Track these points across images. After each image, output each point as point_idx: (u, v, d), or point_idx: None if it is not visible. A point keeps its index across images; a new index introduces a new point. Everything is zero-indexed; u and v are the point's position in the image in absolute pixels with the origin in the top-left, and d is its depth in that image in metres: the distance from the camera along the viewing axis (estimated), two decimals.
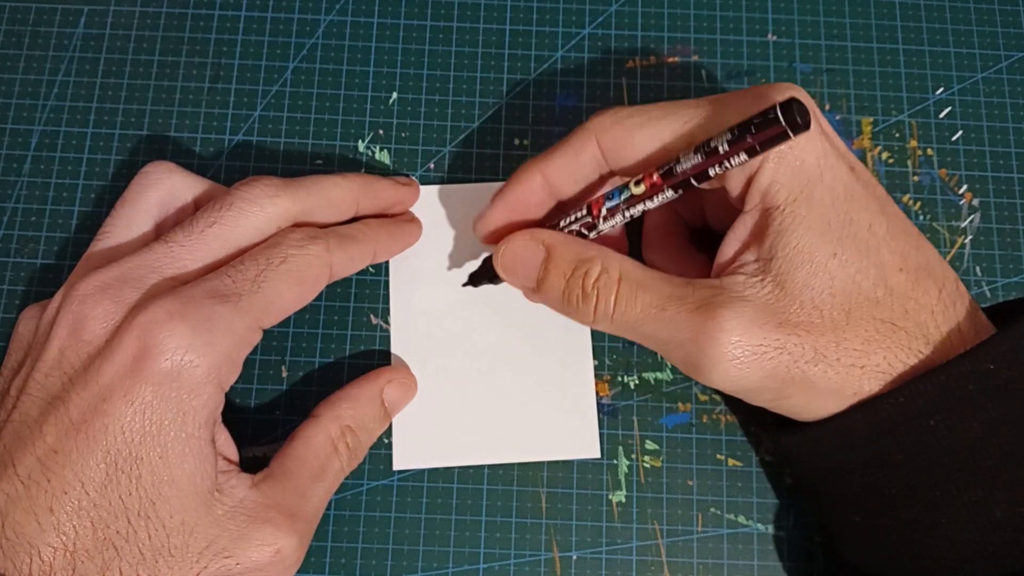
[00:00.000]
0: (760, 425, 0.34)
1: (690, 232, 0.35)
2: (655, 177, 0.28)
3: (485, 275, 0.33)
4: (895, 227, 0.28)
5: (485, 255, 0.34)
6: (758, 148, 0.26)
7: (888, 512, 0.28)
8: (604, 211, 0.30)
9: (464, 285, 0.34)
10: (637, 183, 0.29)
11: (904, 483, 0.27)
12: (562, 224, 0.31)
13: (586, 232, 0.30)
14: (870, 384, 0.27)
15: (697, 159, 0.27)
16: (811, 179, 0.27)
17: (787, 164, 0.27)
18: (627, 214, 0.29)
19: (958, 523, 0.27)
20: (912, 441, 0.27)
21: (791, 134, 0.25)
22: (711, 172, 0.27)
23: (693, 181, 0.28)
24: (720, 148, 0.26)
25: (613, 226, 0.30)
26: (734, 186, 0.28)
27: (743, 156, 0.26)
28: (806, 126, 0.25)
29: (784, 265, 0.27)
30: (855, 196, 0.28)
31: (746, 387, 0.28)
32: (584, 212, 0.30)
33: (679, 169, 0.28)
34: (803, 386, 0.27)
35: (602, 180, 0.31)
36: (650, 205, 0.29)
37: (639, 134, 0.29)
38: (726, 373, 0.27)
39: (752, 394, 0.29)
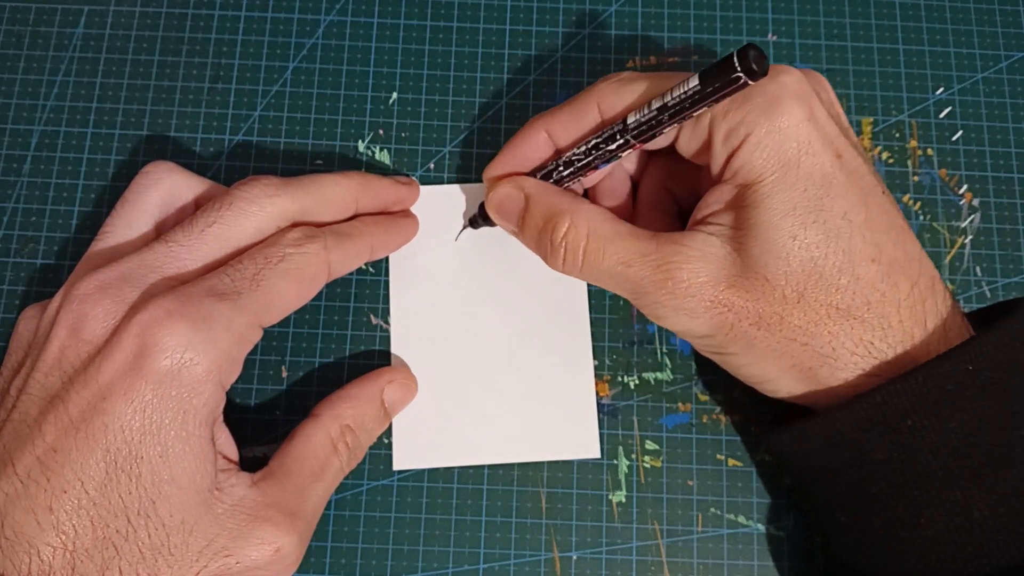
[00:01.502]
0: (756, 424, 0.35)
1: (680, 211, 0.35)
2: (617, 126, 0.30)
3: (481, 216, 0.35)
4: (876, 218, 0.29)
5: (481, 202, 0.35)
6: (713, 91, 0.27)
7: (872, 511, 0.29)
8: (573, 154, 0.31)
9: (463, 228, 0.36)
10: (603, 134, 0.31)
11: (886, 482, 0.28)
12: (549, 168, 0.33)
13: (563, 175, 0.32)
14: (811, 361, 0.28)
15: (655, 106, 0.29)
16: (787, 163, 0.28)
17: (765, 146, 0.28)
18: (593, 161, 0.31)
19: (938, 523, 0.27)
20: (892, 440, 0.27)
21: (746, 80, 0.26)
22: (664, 117, 0.28)
23: (655, 131, 0.29)
24: (674, 94, 0.28)
25: (583, 173, 0.32)
26: (715, 162, 0.30)
27: (695, 91, 0.27)
28: (762, 73, 0.26)
29: (743, 237, 0.29)
30: (833, 184, 0.28)
31: (696, 335, 0.30)
32: (572, 151, 0.32)
33: (636, 117, 0.29)
34: (744, 344, 0.29)
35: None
36: (611, 149, 0.30)
37: (629, 95, 0.31)
38: (679, 321, 0.30)
39: (702, 342, 0.31)
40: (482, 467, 0.34)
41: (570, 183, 0.32)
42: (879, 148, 0.38)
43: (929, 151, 0.38)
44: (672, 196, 0.35)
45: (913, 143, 0.38)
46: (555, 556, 0.33)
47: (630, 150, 0.30)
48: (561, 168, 0.32)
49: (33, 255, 0.36)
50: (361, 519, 0.34)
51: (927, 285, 0.29)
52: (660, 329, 0.36)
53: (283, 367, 0.35)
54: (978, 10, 0.39)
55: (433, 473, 0.34)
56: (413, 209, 0.36)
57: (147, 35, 0.39)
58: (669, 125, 0.29)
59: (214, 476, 0.28)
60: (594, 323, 0.36)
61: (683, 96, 0.28)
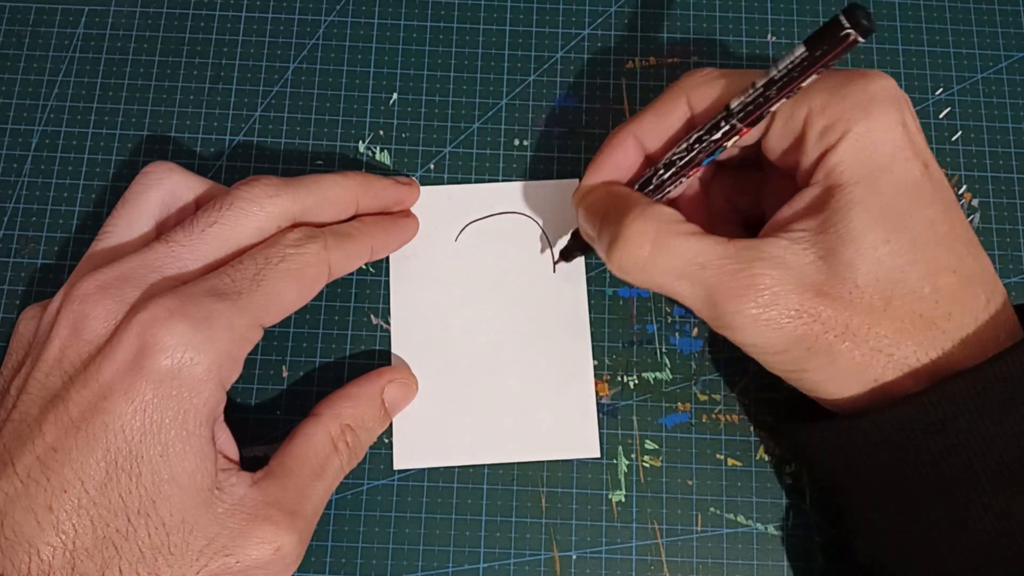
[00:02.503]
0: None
1: (747, 226, 0.35)
2: (723, 113, 0.29)
3: (576, 245, 0.34)
4: (956, 230, 0.28)
5: (573, 230, 0.34)
6: (822, 54, 0.26)
7: (913, 511, 0.28)
8: (674, 153, 0.30)
9: (556, 263, 0.35)
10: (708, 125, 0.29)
11: (930, 483, 0.27)
12: (648, 175, 0.31)
13: (664, 179, 0.31)
14: (893, 373, 0.27)
15: (761, 83, 0.27)
16: (880, 167, 0.27)
17: (859, 148, 0.27)
18: (697, 157, 0.29)
19: (983, 524, 0.27)
20: (939, 442, 0.27)
21: (856, 36, 0.25)
22: (772, 92, 0.27)
23: (761, 113, 0.28)
24: (780, 67, 0.27)
25: (685, 173, 0.30)
26: (807, 159, 0.29)
27: (802, 57, 0.26)
28: (872, 28, 0.25)
29: (833, 240, 0.27)
30: (921, 192, 0.28)
31: (773, 348, 0.28)
32: (673, 149, 0.30)
33: (741, 99, 0.28)
34: (826, 359, 0.28)
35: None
36: (716, 139, 0.29)
37: (721, 86, 0.30)
38: (758, 332, 0.28)
39: (776, 357, 0.29)
40: (482, 467, 0.34)
41: (671, 186, 0.31)
42: None
43: None
44: (738, 211, 0.34)
45: None
46: (555, 556, 0.33)
47: (735, 137, 0.29)
48: (662, 171, 0.30)
49: (33, 255, 0.36)
50: (361, 519, 0.34)
51: (1001, 301, 0.28)
52: (660, 329, 0.36)
53: (283, 367, 0.35)
54: (978, 10, 0.39)
55: (433, 473, 0.34)
56: (413, 209, 0.36)
57: (147, 35, 0.39)
58: (778, 100, 0.27)
59: (214, 475, 0.28)
60: (594, 323, 0.36)
61: (791, 65, 0.26)
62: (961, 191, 0.37)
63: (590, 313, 0.36)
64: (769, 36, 0.39)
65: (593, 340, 0.35)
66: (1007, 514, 0.26)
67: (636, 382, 0.35)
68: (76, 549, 0.26)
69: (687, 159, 0.30)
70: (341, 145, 0.38)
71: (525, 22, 0.39)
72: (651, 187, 0.31)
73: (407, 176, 0.37)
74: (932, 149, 0.37)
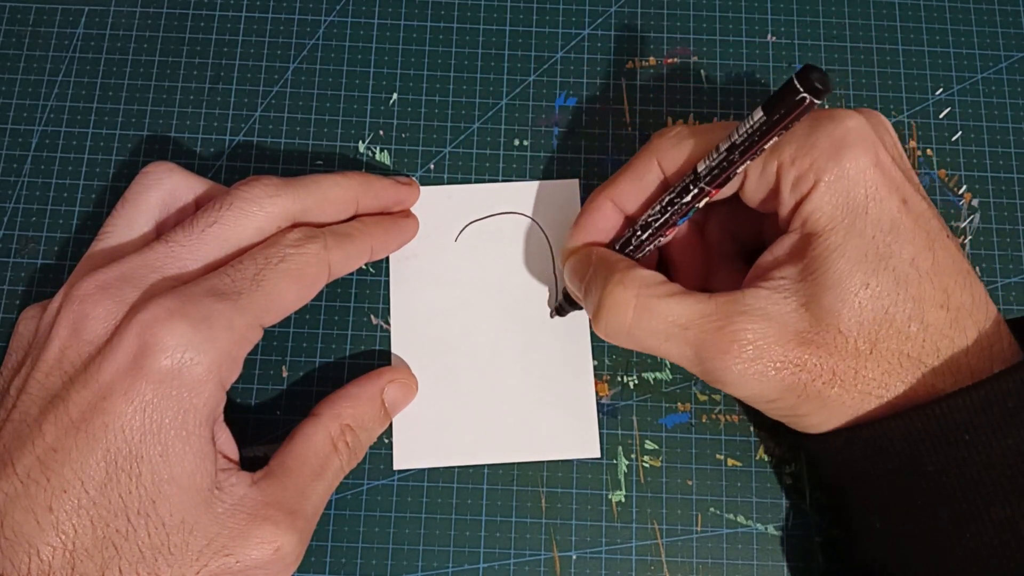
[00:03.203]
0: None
1: (747, 257, 0.35)
2: (687, 179, 0.29)
3: (567, 301, 0.34)
4: (942, 263, 0.28)
5: (564, 287, 0.34)
6: (780, 118, 0.26)
7: (914, 521, 0.28)
8: (649, 215, 0.31)
9: (552, 316, 0.35)
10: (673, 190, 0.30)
11: (933, 494, 0.27)
12: (627, 236, 0.32)
13: (643, 240, 0.31)
14: (885, 411, 0.28)
15: (723, 147, 0.28)
16: (855, 210, 0.28)
17: (832, 195, 0.28)
18: (671, 218, 0.30)
19: (984, 537, 0.27)
20: (946, 453, 0.27)
21: (811, 100, 0.25)
22: (736, 155, 0.27)
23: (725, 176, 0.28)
24: (740, 132, 0.27)
25: (662, 233, 0.31)
26: (784, 209, 0.29)
27: (760, 122, 0.26)
28: (827, 91, 0.25)
29: (814, 288, 0.28)
30: (901, 230, 0.28)
31: (765, 399, 0.29)
32: (647, 212, 0.31)
33: (707, 163, 0.28)
34: (818, 404, 0.28)
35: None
36: (687, 201, 0.29)
37: (689, 147, 0.30)
38: (747, 385, 0.28)
39: (771, 406, 0.29)
40: (482, 467, 0.34)
41: (650, 245, 0.31)
42: None
43: (928, 152, 0.38)
44: (738, 242, 0.34)
45: (912, 144, 0.38)
46: (555, 556, 0.33)
47: (705, 199, 0.29)
48: (639, 232, 0.31)
49: (33, 255, 0.36)
50: (361, 519, 0.34)
51: (994, 330, 0.28)
52: None
53: (283, 367, 0.35)
54: (978, 10, 0.39)
55: (433, 473, 0.34)
56: (413, 209, 0.36)
57: (147, 35, 0.39)
58: (741, 164, 0.28)
59: (214, 475, 0.28)
60: None
61: (751, 130, 0.27)
62: (961, 191, 0.37)
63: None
64: (769, 36, 0.39)
65: (593, 340, 0.35)
66: (1011, 526, 0.26)
67: (636, 382, 0.35)
68: (76, 549, 0.26)
69: (662, 220, 0.30)
70: (341, 145, 0.38)
71: (525, 22, 0.39)
72: (631, 247, 0.31)
73: (407, 176, 0.37)
74: (932, 149, 0.38)
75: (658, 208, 0.30)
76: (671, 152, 0.31)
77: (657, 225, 0.30)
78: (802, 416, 0.29)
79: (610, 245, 0.32)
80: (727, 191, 0.30)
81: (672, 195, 0.30)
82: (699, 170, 0.29)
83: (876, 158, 0.28)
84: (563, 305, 0.35)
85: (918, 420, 0.27)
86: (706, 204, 0.30)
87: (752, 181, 0.30)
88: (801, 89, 0.25)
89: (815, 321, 0.27)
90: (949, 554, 0.27)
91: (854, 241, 0.27)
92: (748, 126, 0.27)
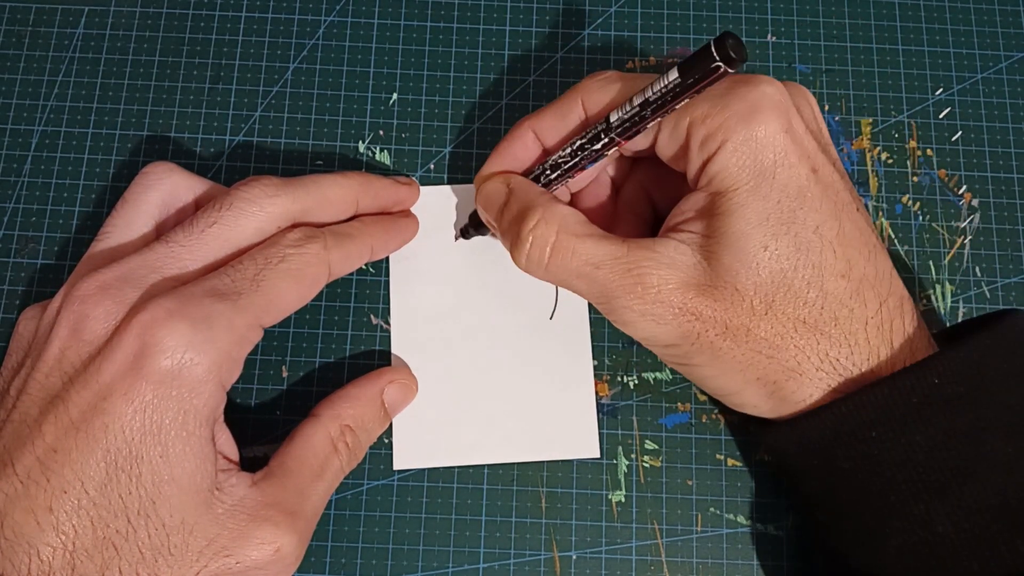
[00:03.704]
0: (752, 423, 0.34)
1: (658, 218, 0.35)
2: (599, 127, 0.30)
3: (472, 225, 0.35)
4: (849, 234, 0.28)
5: (472, 211, 0.35)
6: (693, 83, 0.27)
7: (843, 516, 0.29)
8: (559, 156, 0.31)
9: (456, 239, 0.36)
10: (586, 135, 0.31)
11: (854, 490, 0.28)
12: (536, 172, 0.33)
13: (551, 179, 0.32)
14: (776, 375, 0.28)
15: (637, 101, 0.29)
16: (762, 173, 0.28)
17: (738, 156, 0.28)
18: (580, 163, 0.31)
19: (903, 535, 0.27)
20: (857, 451, 0.27)
21: (725, 68, 0.26)
22: (648, 112, 0.28)
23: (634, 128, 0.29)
24: (655, 88, 0.28)
25: (570, 175, 0.32)
26: (692, 166, 0.29)
27: (675, 83, 0.27)
28: (740, 60, 0.26)
29: (715, 245, 0.28)
30: (807, 197, 0.28)
31: (662, 343, 0.30)
32: (558, 153, 0.32)
33: (619, 115, 0.29)
34: (710, 355, 0.29)
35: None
36: (596, 148, 0.30)
37: (613, 92, 0.31)
38: (645, 327, 0.29)
39: (665, 351, 0.31)
40: (482, 467, 0.34)
41: (558, 185, 0.32)
42: (878, 148, 0.38)
43: (928, 151, 0.38)
44: (652, 202, 0.35)
45: (912, 143, 0.38)
46: (555, 556, 0.33)
47: (615, 148, 0.30)
48: (548, 171, 0.32)
49: (33, 255, 0.36)
50: (361, 519, 0.34)
51: (896, 304, 0.29)
52: None
53: (283, 367, 0.35)
54: (978, 10, 0.39)
55: (433, 473, 0.34)
56: (413, 209, 0.36)
57: (147, 35, 0.39)
58: (652, 120, 0.29)
59: (214, 476, 0.28)
60: (594, 323, 0.36)
61: (664, 89, 0.27)
62: (961, 191, 0.37)
63: (590, 313, 0.36)
64: (769, 36, 0.39)
65: (593, 340, 0.35)
66: (926, 525, 0.27)
67: (636, 382, 0.35)
68: (76, 550, 0.26)
69: (571, 163, 0.31)
70: (341, 145, 0.38)
71: (525, 22, 0.39)
72: (540, 184, 0.32)
73: (407, 176, 0.37)
74: (932, 149, 0.38)
75: (568, 151, 0.31)
76: (596, 94, 0.31)
77: (566, 167, 0.31)
78: (695, 366, 0.30)
79: (524, 175, 0.33)
80: (639, 144, 0.31)
81: (583, 140, 0.31)
82: (611, 120, 0.30)
83: (788, 124, 0.28)
84: (468, 229, 0.35)
85: (827, 418, 0.27)
86: (631, 161, 0.31)
87: (664, 136, 0.30)
88: (717, 57, 0.25)
89: (714, 276, 0.28)
90: (876, 551, 0.28)
91: (757, 203, 0.28)
92: (663, 84, 0.28)
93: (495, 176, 0.33)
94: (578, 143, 0.31)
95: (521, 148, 0.33)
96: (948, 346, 0.28)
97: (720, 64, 0.26)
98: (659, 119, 0.29)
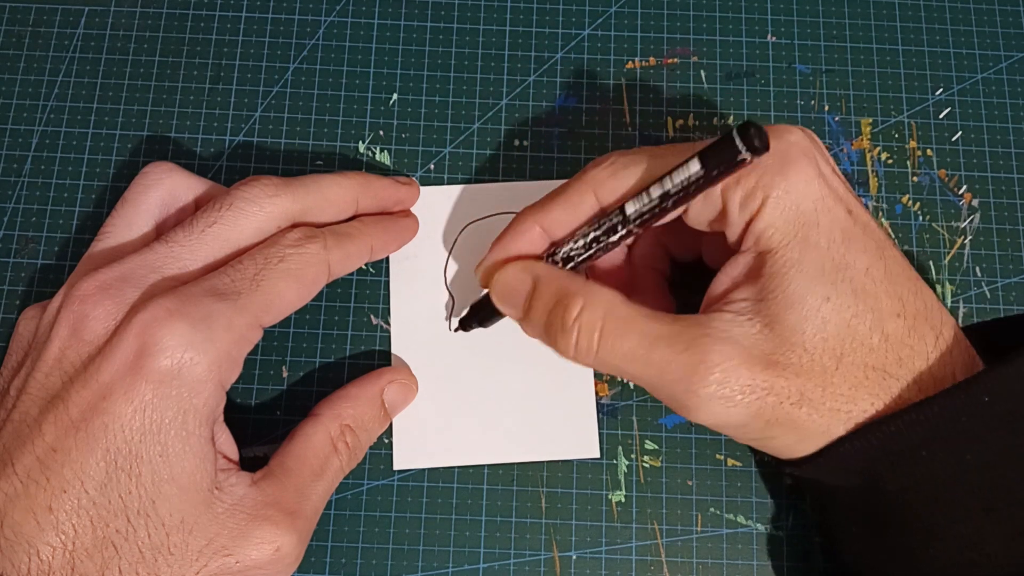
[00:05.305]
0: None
1: (672, 269, 0.35)
2: (617, 215, 0.29)
3: (475, 317, 0.33)
4: (893, 270, 0.28)
5: (473, 301, 0.34)
6: (718, 174, 0.26)
7: (885, 533, 0.28)
8: (572, 249, 0.30)
9: (455, 330, 0.35)
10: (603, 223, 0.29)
11: (899, 509, 0.27)
12: (556, 254, 0.31)
13: (574, 258, 0.31)
14: (852, 426, 0.27)
15: (656, 194, 0.27)
16: (807, 223, 0.27)
17: (782, 209, 0.27)
18: (595, 254, 0.30)
19: (949, 554, 0.27)
20: (905, 471, 0.27)
21: (751, 158, 0.25)
22: (668, 204, 0.27)
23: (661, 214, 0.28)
24: (675, 180, 0.27)
25: (587, 257, 0.30)
26: (733, 231, 0.28)
27: (697, 176, 0.26)
28: (764, 148, 0.25)
29: (774, 307, 0.27)
30: (852, 239, 0.27)
31: (733, 425, 0.28)
32: (570, 244, 0.30)
33: (637, 207, 0.28)
34: (788, 427, 0.27)
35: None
36: (613, 241, 0.29)
37: (627, 180, 0.29)
38: (712, 412, 0.27)
39: (738, 432, 0.29)
40: (482, 467, 0.34)
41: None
42: (878, 149, 0.38)
43: (929, 152, 0.38)
44: (667, 252, 0.34)
45: (913, 144, 0.38)
46: (555, 556, 0.33)
47: (632, 237, 0.29)
48: (560, 264, 0.30)
49: (33, 255, 0.36)
50: (361, 519, 0.34)
51: (950, 335, 0.28)
52: None
53: (283, 367, 0.35)
54: (978, 10, 0.39)
55: (433, 473, 0.34)
56: (413, 209, 0.36)
57: (147, 36, 0.39)
58: (673, 211, 0.27)
59: (214, 476, 0.28)
60: None
61: (686, 182, 0.26)
62: (961, 191, 0.37)
63: None
64: (769, 36, 0.39)
65: None
66: (974, 546, 0.26)
67: None
68: (76, 549, 0.26)
69: (585, 256, 0.30)
70: (341, 145, 0.38)
71: (525, 22, 0.39)
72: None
73: (407, 176, 0.37)
74: (932, 149, 0.38)
75: (582, 243, 0.30)
76: (608, 183, 0.29)
77: (579, 260, 0.30)
78: (771, 439, 0.28)
79: None
80: (670, 216, 0.30)
81: (598, 233, 0.29)
82: (628, 212, 0.28)
83: (818, 169, 0.28)
84: (470, 321, 0.34)
85: (873, 438, 0.26)
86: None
87: (697, 205, 0.29)
88: (742, 148, 0.25)
89: (780, 341, 0.27)
90: (918, 569, 0.27)
91: (810, 254, 0.27)
92: (684, 177, 0.27)
93: (509, 264, 0.31)
94: (592, 235, 0.29)
95: (527, 244, 0.31)
96: (996, 362, 0.27)
97: (747, 156, 0.25)
98: (679, 210, 0.27)
